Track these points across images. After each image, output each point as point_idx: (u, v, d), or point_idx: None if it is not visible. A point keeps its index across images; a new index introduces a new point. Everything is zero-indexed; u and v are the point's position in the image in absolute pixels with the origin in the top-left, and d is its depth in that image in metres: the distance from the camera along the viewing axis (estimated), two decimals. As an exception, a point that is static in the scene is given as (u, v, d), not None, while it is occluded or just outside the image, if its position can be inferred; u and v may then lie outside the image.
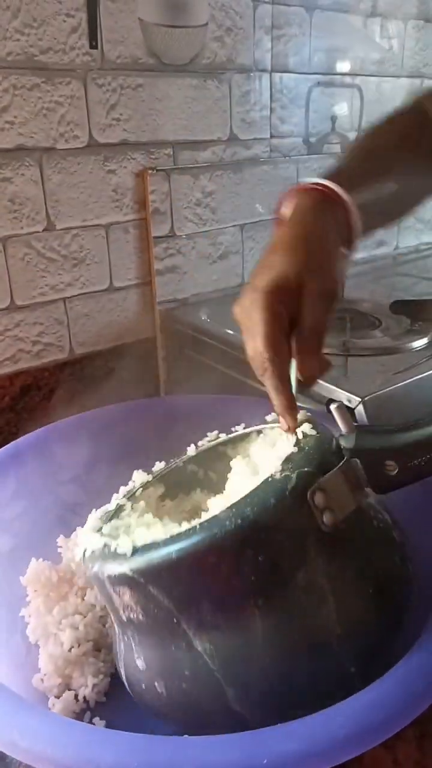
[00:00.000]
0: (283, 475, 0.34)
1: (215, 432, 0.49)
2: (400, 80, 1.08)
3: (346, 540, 0.35)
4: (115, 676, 0.46)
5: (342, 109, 1.02)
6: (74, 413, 0.62)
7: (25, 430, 0.60)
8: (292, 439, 0.38)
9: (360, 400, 0.59)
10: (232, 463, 0.43)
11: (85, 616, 0.48)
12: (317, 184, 0.45)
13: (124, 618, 0.37)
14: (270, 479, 0.34)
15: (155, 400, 0.78)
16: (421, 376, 0.65)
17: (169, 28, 0.78)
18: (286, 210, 0.45)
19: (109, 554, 0.36)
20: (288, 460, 0.35)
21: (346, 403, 0.60)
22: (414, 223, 1.21)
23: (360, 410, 0.59)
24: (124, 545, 0.35)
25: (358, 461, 0.36)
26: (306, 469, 0.34)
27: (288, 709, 0.32)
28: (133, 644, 0.38)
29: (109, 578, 0.36)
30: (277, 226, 0.46)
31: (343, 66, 0.99)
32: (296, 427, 0.38)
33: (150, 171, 0.81)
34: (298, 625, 0.34)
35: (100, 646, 0.48)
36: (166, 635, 0.35)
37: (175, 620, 0.35)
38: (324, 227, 0.43)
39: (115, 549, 0.35)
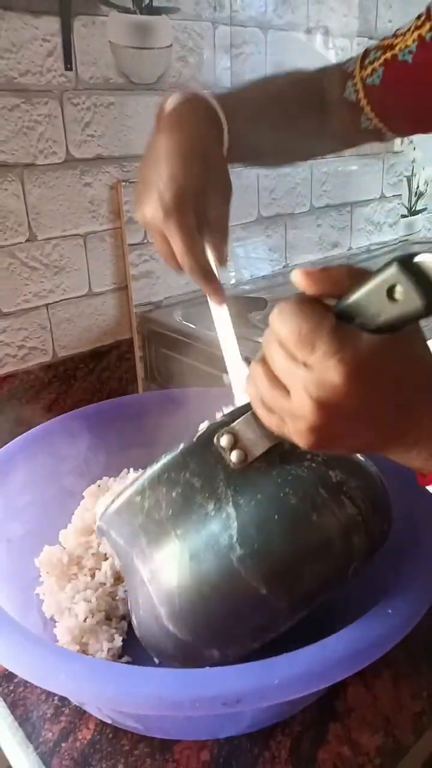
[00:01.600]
0: (199, 429, 0.41)
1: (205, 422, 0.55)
2: (348, 93, 1.16)
3: (262, 474, 0.40)
4: (125, 640, 0.52)
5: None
6: (59, 412, 0.66)
7: (16, 429, 0.64)
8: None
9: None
10: None
11: (95, 591, 0.54)
12: (197, 93, 0.50)
13: (117, 565, 0.45)
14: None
15: (149, 395, 0.84)
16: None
17: (137, 49, 0.84)
18: (168, 108, 0.49)
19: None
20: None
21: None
22: (365, 225, 1.29)
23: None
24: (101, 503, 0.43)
25: None
26: (219, 422, 0.40)
27: (215, 630, 0.40)
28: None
29: (98, 529, 0.45)
30: (158, 123, 0.49)
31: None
32: (224, 300, 0.48)
33: (123, 183, 0.86)
34: (210, 547, 0.39)
35: (110, 615, 0.53)
36: (127, 572, 0.44)
37: (129, 557, 0.43)
38: (207, 133, 0.48)
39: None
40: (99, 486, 0.62)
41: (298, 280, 0.31)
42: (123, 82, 0.83)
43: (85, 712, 0.49)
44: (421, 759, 0.50)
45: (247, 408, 0.39)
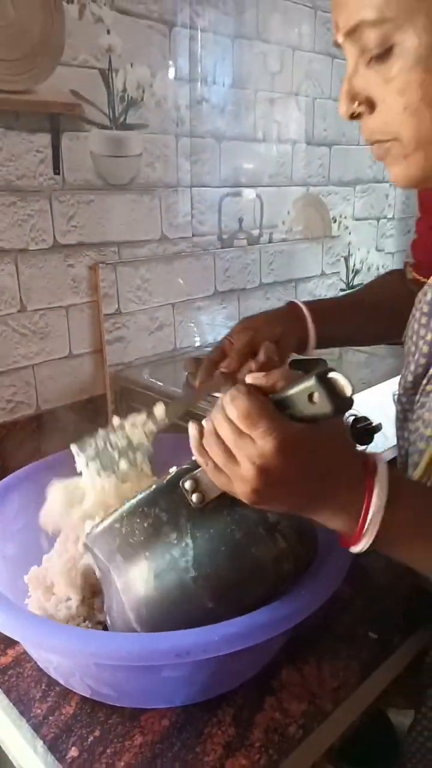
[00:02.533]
0: (170, 472, 0.50)
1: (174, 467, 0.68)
2: (291, 188, 1.37)
3: (215, 513, 0.48)
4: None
5: (246, 212, 1.28)
6: (42, 455, 0.79)
7: (4, 475, 0.74)
8: None
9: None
10: None
11: (76, 601, 0.65)
12: (293, 302, 0.74)
13: (97, 575, 0.55)
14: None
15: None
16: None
17: (113, 158, 1.02)
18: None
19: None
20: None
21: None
22: (308, 297, 1.48)
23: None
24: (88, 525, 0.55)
25: None
26: (184, 467, 0.49)
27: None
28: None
29: (84, 545, 0.55)
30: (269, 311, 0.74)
31: (246, 180, 1.26)
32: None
33: (100, 264, 1.03)
34: (171, 569, 0.48)
35: (86, 619, 0.65)
36: (105, 582, 0.54)
37: (107, 570, 0.52)
38: (275, 315, 0.72)
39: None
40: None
41: (251, 378, 0.43)
42: (101, 183, 1.01)
43: (68, 692, 0.60)
44: (340, 725, 0.62)
45: None
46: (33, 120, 0.90)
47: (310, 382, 0.39)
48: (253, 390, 0.42)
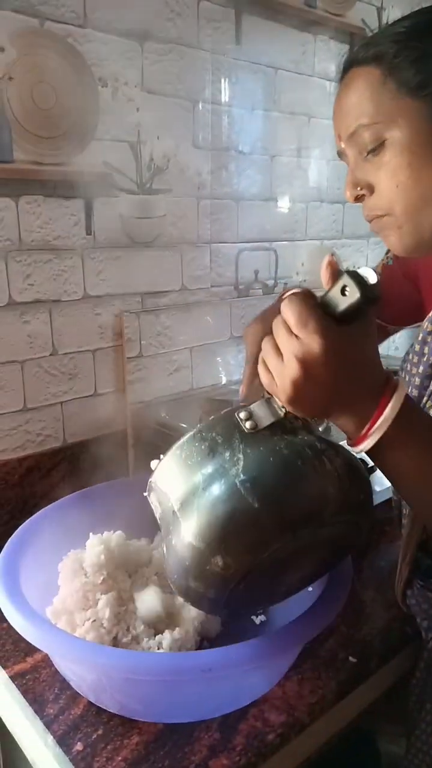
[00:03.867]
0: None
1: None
2: (305, 242, 1.47)
3: (266, 437, 0.52)
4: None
5: (262, 265, 1.38)
6: (67, 487, 0.87)
7: (33, 501, 0.82)
8: None
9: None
10: None
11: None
12: None
13: (157, 514, 0.57)
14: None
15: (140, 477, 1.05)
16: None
17: (139, 219, 1.14)
18: None
19: None
20: None
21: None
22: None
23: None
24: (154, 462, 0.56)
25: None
26: (238, 406, 0.54)
27: (220, 539, 0.49)
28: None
29: (149, 485, 0.57)
30: None
31: (262, 235, 1.37)
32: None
33: (125, 313, 1.14)
34: (221, 476, 0.51)
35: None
36: (163, 516, 0.55)
37: (167, 500, 0.54)
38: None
39: None
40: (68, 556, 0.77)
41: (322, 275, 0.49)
42: (128, 241, 1.13)
43: (77, 696, 0.68)
44: (316, 738, 0.69)
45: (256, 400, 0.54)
46: (69, 188, 1.03)
47: (342, 277, 0.46)
48: (306, 295, 0.48)
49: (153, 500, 0.57)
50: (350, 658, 0.74)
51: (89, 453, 1.10)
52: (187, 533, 0.51)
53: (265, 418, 0.52)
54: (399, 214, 0.61)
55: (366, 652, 0.75)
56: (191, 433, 0.54)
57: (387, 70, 0.58)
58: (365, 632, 0.78)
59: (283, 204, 1.40)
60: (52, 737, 0.63)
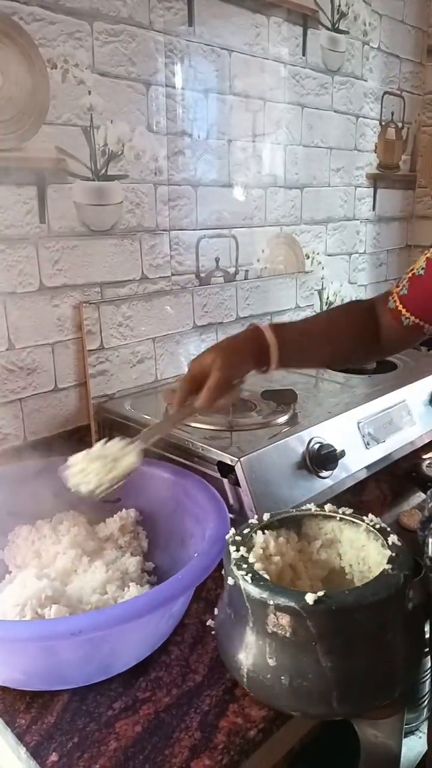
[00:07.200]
0: (394, 572, 0.58)
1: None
2: (264, 229, 1.46)
3: (418, 615, 0.60)
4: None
5: (223, 252, 1.36)
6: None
7: None
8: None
9: (238, 459, 0.87)
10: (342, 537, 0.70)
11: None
12: (254, 325, 0.85)
13: (269, 631, 0.57)
14: (386, 573, 0.58)
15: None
16: (281, 441, 0.94)
17: (95, 206, 1.10)
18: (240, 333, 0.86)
19: (278, 590, 0.57)
20: (391, 560, 0.60)
21: (228, 462, 0.88)
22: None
23: (238, 467, 0.87)
24: (309, 596, 0.55)
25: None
26: (406, 572, 0.58)
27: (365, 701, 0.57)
28: (267, 648, 0.58)
29: (276, 605, 0.56)
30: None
31: (221, 222, 1.34)
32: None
33: (84, 304, 1.10)
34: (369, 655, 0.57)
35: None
36: (302, 650, 0.56)
37: (313, 642, 0.56)
38: (242, 347, 0.81)
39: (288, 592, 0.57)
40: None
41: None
42: (84, 230, 1.09)
43: (50, 703, 0.65)
44: (298, 730, 0.68)
45: (411, 563, 0.61)
46: (20, 174, 0.98)
47: None
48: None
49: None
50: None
51: (51, 451, 1.06)
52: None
53: (422, 595, 0.61)
54: None
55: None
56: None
57: None
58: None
59: (241, 190, 1.37)
60: (25, 749, 0.60)
